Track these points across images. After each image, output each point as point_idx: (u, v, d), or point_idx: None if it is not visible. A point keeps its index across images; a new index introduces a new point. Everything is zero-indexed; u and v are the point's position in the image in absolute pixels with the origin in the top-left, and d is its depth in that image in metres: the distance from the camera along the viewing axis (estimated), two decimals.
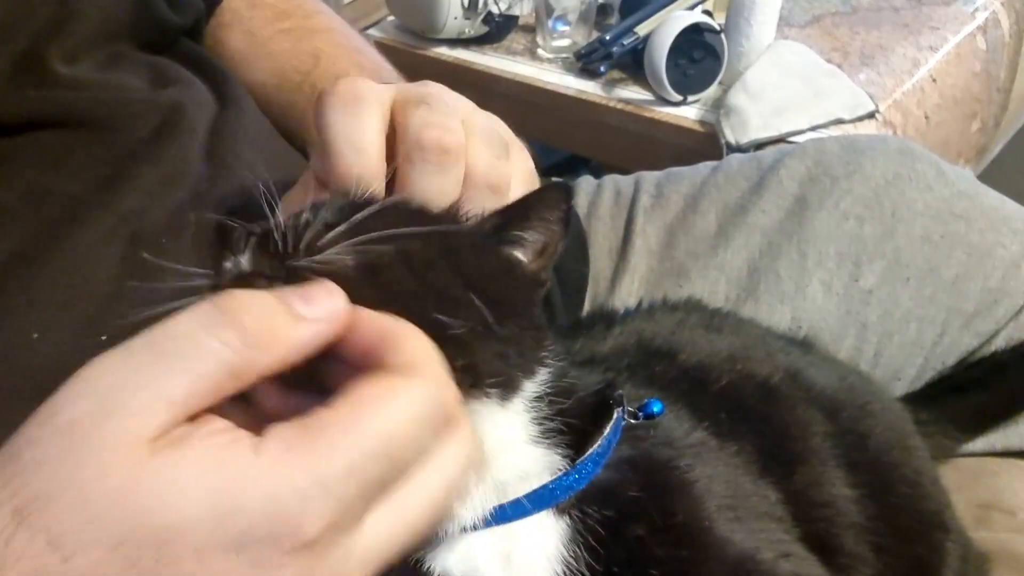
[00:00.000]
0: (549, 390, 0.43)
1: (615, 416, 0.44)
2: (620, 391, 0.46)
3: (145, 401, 0.30)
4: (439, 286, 0.38)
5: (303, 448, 0.30)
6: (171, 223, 0.54)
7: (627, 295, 0.76)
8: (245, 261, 0.37)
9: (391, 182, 0.47)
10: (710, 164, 0.83)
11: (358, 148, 0.45)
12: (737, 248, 0.74)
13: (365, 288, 0.36)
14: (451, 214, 0.46)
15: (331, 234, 0.37)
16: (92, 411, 0.30)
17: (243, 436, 0.31)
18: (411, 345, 0.34)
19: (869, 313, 0.71)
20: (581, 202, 0.82)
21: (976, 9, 1.53)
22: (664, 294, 0.72)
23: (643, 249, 0.77)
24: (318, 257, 0.36)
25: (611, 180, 0.85)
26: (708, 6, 1.48)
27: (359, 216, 0.38)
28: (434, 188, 0.46)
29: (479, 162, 0.48)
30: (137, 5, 0.64)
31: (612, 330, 0.61)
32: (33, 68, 0.55)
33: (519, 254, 0.44)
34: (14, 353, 0.47)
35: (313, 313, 0.33)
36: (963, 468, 0.70)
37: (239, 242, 0.37)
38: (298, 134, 0.69)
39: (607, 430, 0.44)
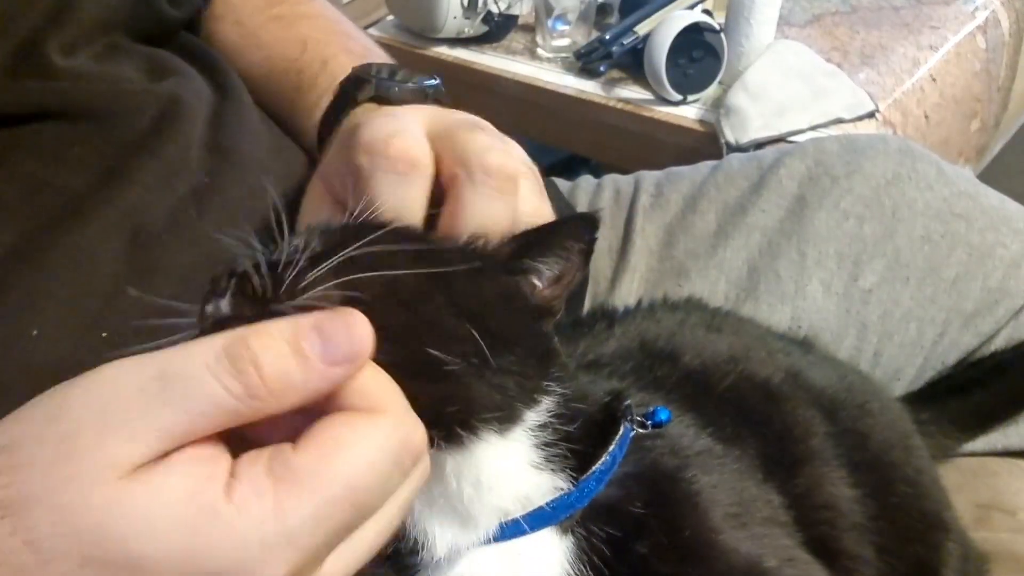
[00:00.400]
0: (553, 418, 0.42)
1: (621, 431, 0.44)
2: (628, 401, 0.45)
3: (141, 429, 0.30)
4: (432, 319, 0.37)
5: (271, 495, 0.31)
6: (172, 218, 0.54)
7: (627, 294, 0.76)
8: (225, 305, 0.36)
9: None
10: (710, 164, 0.83)
11: (403, 215, 0.45)
12: (737, 248, 0.74)
13: None
14: (466, 242, 0.44)
15: (314, 273, 0.36)
16: (91, 426, 0.30)
17: (219, 473, 0.31)
18: (370, 382, 0.34)
19: (869, 313, 0.71)
20: (581, 202, 0.82)
21: (976, 8, 1.53)
22: (664, 294, 0.72)
23: (643, 248, 0.77)
24: (299, 300, 0.35)
25: (611, 180, 0.85)
26: (708, 5, 1.48)
27: (346, 252, 0.37)
28: (495, 213, 0.45)
29: (525, 204, 0.47)
30: None
31: (614, 330, 0.61)
32: (31, 60, 0.55)
33: (534, 280, 0.43)
34: (13, 350, 0.47)
35: (329, 357, 0.32)
36: (963, 468, 0.70)
37: (220, 282, 0.36)
38: (287, 124, 0.68)
39: (612, 446, 0.43)
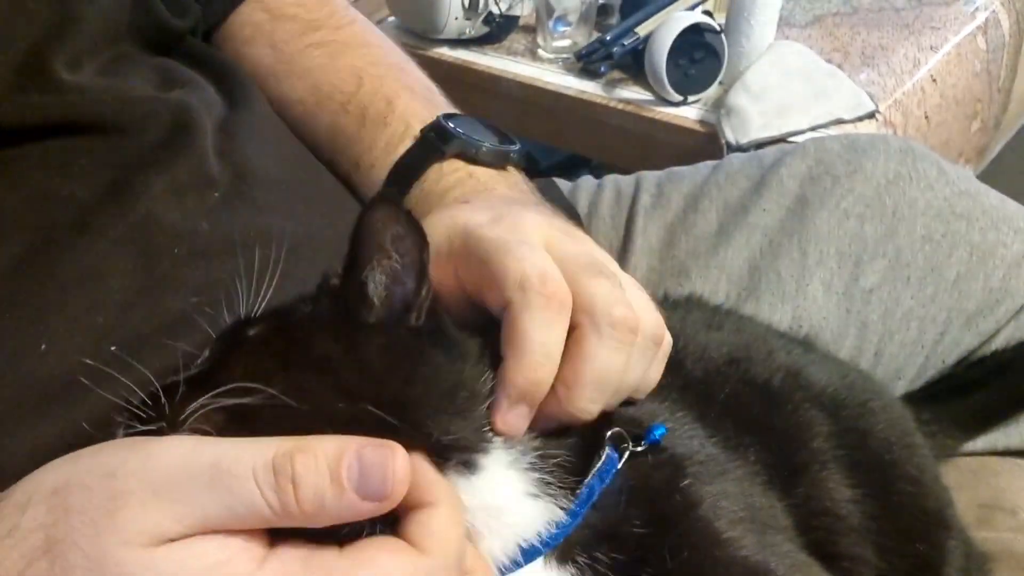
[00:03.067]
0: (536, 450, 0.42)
1: (604, 460, 0.43)
2: (617, 428, 0.45)
3: (183, 512, 0.33)
4: (327, 411, 0.37)
5: None
6: (182, 231, 0.53)
7: None
8: (120, 435, 0.39)
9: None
10: (711, 163, 0.83)
11: (551, 356, 0.45)
12: (738, 247, 0.74)
13: (247, 436, 0.36)
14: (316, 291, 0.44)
15: (199, 401, 0.38)
16: (140, 494, 0.33)
17: (254, 549, 0.34)
18: (437, 522, 0.36)
19: (870, 312, 0.71)
20: (582, 202, 0.82)
21: (976, 9, 1.53)
22: (665, 293, 0.72)
23: (644, 248, 0.77)
24: (180, 431, 0.38)
25: (611, 180, 0.85)
26: (708, 6, 1.48)
27: (213, 365, 0.40)
28: (615, 365, 0.45)
29: (647, 324, 0.47)
30: (136, 7, 0.63)
31: None
32: (36, 74, 0.54)
33: (384, 291, 0.41)
34: (22, 364, 0.46)
35: (363, 490, 0.34)
36: (964, 467, 0.70)
37: (119, 414, 0.40)
38: (346, 156, 0.68)
39: (590, 477, 0.43)
